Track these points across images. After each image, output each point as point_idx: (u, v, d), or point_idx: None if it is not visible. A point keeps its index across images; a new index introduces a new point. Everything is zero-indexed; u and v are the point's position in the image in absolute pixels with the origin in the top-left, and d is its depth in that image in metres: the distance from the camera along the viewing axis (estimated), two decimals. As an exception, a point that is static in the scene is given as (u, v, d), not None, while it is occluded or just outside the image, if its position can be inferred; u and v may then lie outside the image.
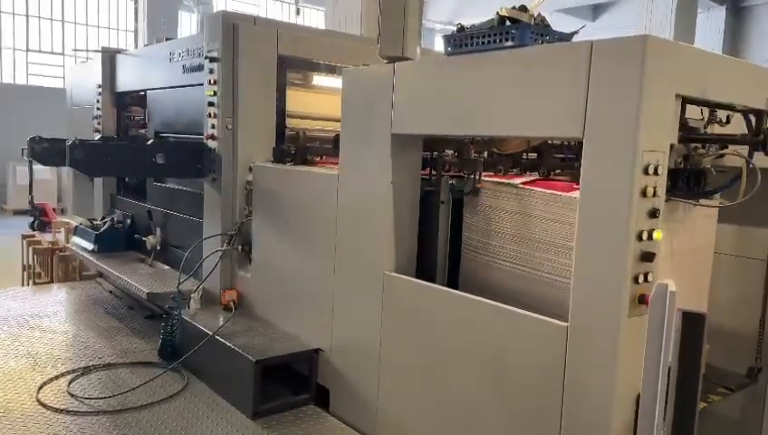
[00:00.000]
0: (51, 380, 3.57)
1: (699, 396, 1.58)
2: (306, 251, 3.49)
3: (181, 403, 3.35)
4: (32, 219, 13.09)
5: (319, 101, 4.57)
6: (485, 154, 3.52)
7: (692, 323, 1.48)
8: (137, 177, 5.06)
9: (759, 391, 3.19)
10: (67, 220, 6.98)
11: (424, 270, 3.05)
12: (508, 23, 2.37)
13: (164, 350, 3.86)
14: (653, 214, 1.98)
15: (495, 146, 2.97)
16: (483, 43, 2.38)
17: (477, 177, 2.96)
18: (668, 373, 1.66)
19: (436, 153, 3.07)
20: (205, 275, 4.09)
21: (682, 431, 1.52)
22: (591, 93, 2.02)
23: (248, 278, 4.01)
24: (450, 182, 3.05)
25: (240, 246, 4.05)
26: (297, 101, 4.40)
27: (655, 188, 1.97)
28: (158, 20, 15.39)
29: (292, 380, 3.45)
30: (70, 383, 3.53)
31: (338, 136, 3.60)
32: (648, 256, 1.97)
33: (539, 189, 2.59)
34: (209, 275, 4.05)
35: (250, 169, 3.99)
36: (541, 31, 2.29)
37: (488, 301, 2.49)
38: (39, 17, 15.97)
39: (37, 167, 4.68)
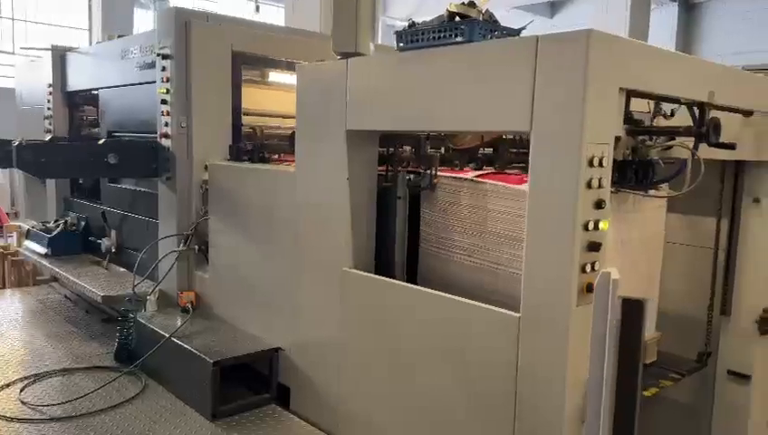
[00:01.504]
0: (1, 387, 3.46)
1: (641, 380, 1.62)
2: (264, 250, 3.46)
3: (138, 407, 3.29)
4: (-18, 224, 12.61)
5: (276, 98, 4.54)
6: (442, 150, 3.57)
7: (631, 309, 1.52)
8: (89, 178, 4.94)
9: (709, 375, 3.31)
10: (19, 224, 6.78)
11: (383, 266, 3.05)
12: (458, 18, 2.38)
13: (120, 353, 3.78)
14: (599, 205, 2.03)
15: (450, 141, 2.99)
16: (433, 38, 2.40)
17: (434, 172, 2.98)
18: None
19: (392, 149, 3.08)
20: (161, 276, 4.02)
21: (623, 416, 1.56)
22: (538, 87, 2.05)
23: (206, 279, 3.96)
24: (407, 178, 3.06)
25: (197, 247, 3.99)
26: (254, 98, 4.36)
27: (600, 179, 2.01)
28: (112, 18, 15.01)
29: (254, 380, 3.42)
30: (21, 390, 3.43)
31: (294, 134, 3.59)
32: (594, 246, 2.02)
33: (490, 182, 2.62)
34: (165, 276, 3.99)
35: (206, 168, 3.93)
36: (489, 27, 2.32)
37: (444, 294, 2.52)
38: (-13, 15, 15.43)
39: None
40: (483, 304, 2.35)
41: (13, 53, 15.70)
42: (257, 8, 17.79)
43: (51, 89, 5.66)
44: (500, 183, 2.57)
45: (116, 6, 15.28)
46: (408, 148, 3.22)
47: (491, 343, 2.29)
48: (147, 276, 4.01)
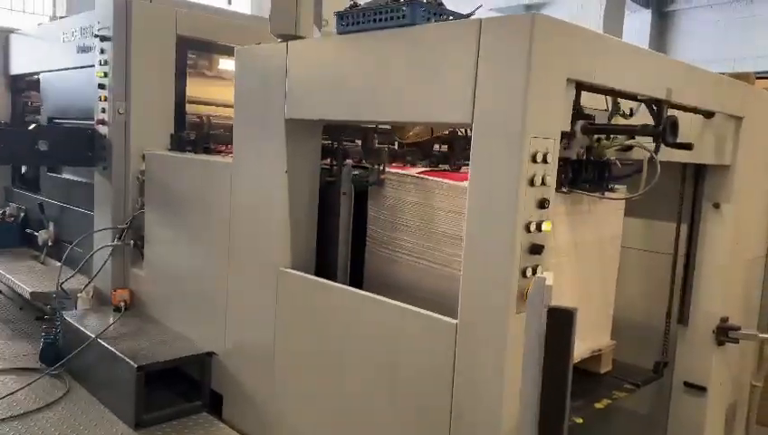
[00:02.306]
0: None
1: (568, 393, 1.45)
2: (199, 246, 3.24)
3: (58, 413, 3.04)
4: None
5: (223, 86, 4.30)
6: (395, 145, 3.39)
7: (559, 319, 1.35)
8: (18, 165, 4.64)
9: (665, 386, 3.17)
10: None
11: (325, 267, 2.86)
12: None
13: (45, 354, 3.52)
14: (542, 204, 1.86)
15: (396, 135, 2.81)
16: (375, 20, 2.21)
17: (381, 167, 2.80)
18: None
19: (336, 142, 2.89)
20: (95, 272, 3.77)
21: (550, 431, 1.40)
22: (480, 75, 1.88)
23: (141, 276, 3.72)
24: (354, 173, 2.86)
25: (132, 242, 3.74)
26: (202, 88, 4.13)
27: (544, 176, 1.85)
28: (76, 6, 14.53)
29: (186, 385, 3.19)
30: (-68, 395, 3.16)
31: (237, 123, 3.38)
32: (536, 249, 1.85)
33: (433, 178, 2.45)
34: (98, 272, 3.73)
35: (143, 158, 3.69)
36: (433, 9, 2.13)
37: (379, 297, 2.33)
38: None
39: None
40: (418, 309, 2.17)
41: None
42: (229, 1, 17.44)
43: (-8, 72, 5.35)
44: (443, 180, 2.39)
45: (81, -7, 14.81)
46: (355, 142, 3.04)
47: (427, 349, 2.11)
48: (79, 271, 3.75)
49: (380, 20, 2.19)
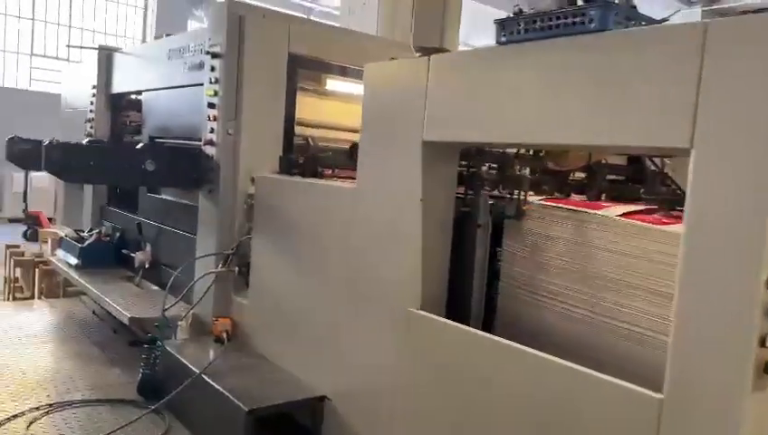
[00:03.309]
0: (8, 419, 3.04)
1: None
2: (314, 278, 2.98)
3: (158, 454, 2.82)
4: (25, 228, 12.61)
5: (331, 107, 4.10)
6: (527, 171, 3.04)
7: None
8: (121, 185, 4.55)
9: None
10: (54, 230, 6.50)
11: (454, 307, 2.53)
12: (580, 2, 1.88)
13: (144, 386, 3.33)
14: (792, 253, 1.47)
15: (552, 160, 2.47)
16: (550, 27, 1.89)
17: (523, 197, 2.46)
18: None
19: (473, 167, 2.58)
20: (196, 299, 3.57)
21: None
22: (704, 91, 1.52)
23: (245, 305, 3.50)
24: (488, 202, 2.54)
25: (237, 268, 3.53)
26: (306, 106, 3.92)
27: (796, 217, 1.46)
28: (166, 28, 15.07)
29: (293, 429, 2.91)
30: (30, 425, 3.00)
31: (355, 145, 3.13)
32: (783, 311, 1.45)
33: (595, 212, 2.11)
34: (200, 299, 3.54)
35: (252, 181, 3.49)
36: (626, 13, 1.80)
37: (548, 356, 1.96)
38: (45, 21, 15.66)
39: (35, 174, 4.22)
40: (606, 377, 1.78)
41: (67, 60, 15.87)
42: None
43: (95, 90, 5.37)
44: (626, 219, 2.03)
45: (171, 18, 15.34)
46: (489, 167, 2.72)
47: (613, 429, 1.73)
48: (180, 298, 3.56)
49: (557, 27, 1.87)
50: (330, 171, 3.67)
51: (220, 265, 3.53)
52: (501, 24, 2.04)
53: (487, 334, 2.24)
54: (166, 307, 3.39)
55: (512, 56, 2.03)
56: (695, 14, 14.30)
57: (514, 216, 2.47)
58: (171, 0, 16.05)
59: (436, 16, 2.27)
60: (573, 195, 2.95)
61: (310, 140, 3.97)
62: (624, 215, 2.11)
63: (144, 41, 16.19)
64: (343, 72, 3.88)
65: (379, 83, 2.58)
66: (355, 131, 4.19)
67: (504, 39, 2.04)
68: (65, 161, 3.12)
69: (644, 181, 3.07)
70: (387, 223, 2.52)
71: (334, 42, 3.85)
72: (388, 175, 2.51)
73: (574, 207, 2.29)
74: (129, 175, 3.44)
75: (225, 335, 3.43)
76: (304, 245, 3.06)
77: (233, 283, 3.58)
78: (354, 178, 3.57)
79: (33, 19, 15.52)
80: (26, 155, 3.90)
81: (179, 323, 3.51)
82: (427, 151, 2.36)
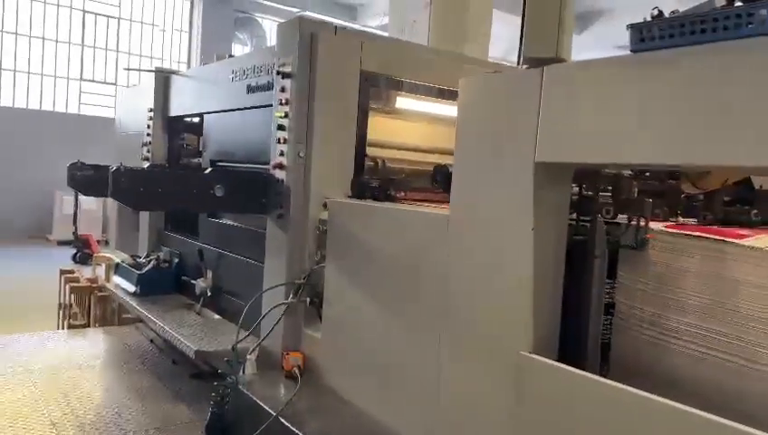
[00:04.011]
0: (73, 462, 2.87)
1: None
2: (399, 313, 2.74)
3: (234, 504, 2.60)
4: (74, 251, 12.78)
5: (401, 127, 3.89)
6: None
7: None
8: (191, 211, 4.40)
9: None
10: (108, 255, 6.42)
11: (563, 347, 2.26)
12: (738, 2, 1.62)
13: (212, 427, 3.12)
14: None
15: (691, 181, 2.19)
16: (703, 31, 1.63)
17: (644, 223, 2.20)
18: None
19: (586, 189, 2.32)
20: (264, 331, 3.37)
21: None
22: None
23: (317, 339, 3.27)
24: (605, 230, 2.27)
25: (308, 299, 3.32)
26: (376, 125, 3.72)
27: None
28: (211, 52, 15.24)
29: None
30: (97, 469, 2.82)
31: (439, 167, 2.91)
32: None
33: (742, 243, 1.82)
34: (270, 332, 3.33)
35: (325, 206, 3.29)
36: (801, 12, 1.53)
37: (693, 410, 1.67)
38: (94, 47, 16.01)
39: (83, 196, 4.12)
40: (756, 431, 1.49)
41: (115, 84, 16.16)
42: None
43: (151, 114, 5.29)
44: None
45: (215, 42, 15.52)
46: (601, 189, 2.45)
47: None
48: (251, 332, 3.36)
49: (713, 30, 1.61)
50: (402, 194, 3.48)
51: (291, 296, 3.32)
52: (637, 29, 1.79)
53: (618, 384, 1.96)
54: (239, 340, 3.18)
55: (651, 65, 1.77)
56: None
57: (635, 245, 2.21)
58: (215, 24, 16.28)
59: (551, 24, 2.04)
60: (680, 218, 2.69)
61: (379, 161, 3.77)
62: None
63: (189, 65, 16.41)
64: (417, 89, 3.67)
65: (477, 99, 2.35)
66: (428, 151, 4.02)
67: (640, 45, 1.79)
68: (134, 188, 2.97)
69: (752, 202, 2.77)
70: (490, 255, 2.26)
71: (407, 58, 3.64)
72: (491, 201, 2.26)
73: (713, 236, 2.01)
74: (198, 201, 3.27)
75: (296, 371, 3.21)
76: (386, 276, 2.82)
77: (303, 314, 3.37)
78: (431, 202, 3.37)
79: (82, 45, 15.89)
80: (89, 181, 3.79)
81: (248, 356, 3.30)
82: (540, 174, 2.10)
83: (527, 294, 2.14)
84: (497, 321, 2.23)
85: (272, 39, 17.84)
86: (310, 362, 3.27)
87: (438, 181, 2.89)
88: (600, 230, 2.25)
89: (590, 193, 2.31)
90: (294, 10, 16.74)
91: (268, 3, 16.80)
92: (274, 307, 3.29)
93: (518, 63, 2.46)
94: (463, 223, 2.39)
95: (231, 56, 4.41)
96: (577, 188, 2.33)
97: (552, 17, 2.05)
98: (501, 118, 2.23)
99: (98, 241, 12.97)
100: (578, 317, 2.27)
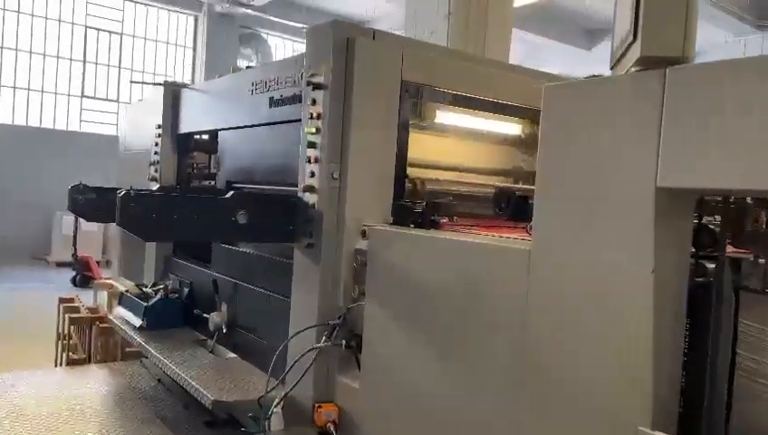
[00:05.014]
0: None
1: None
2: (463, 365, 2.29)
3: None
4: (74, 274, 12.31)
5: (445, 144, 3.48)
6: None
7: None
8: (212, 241, 3.95)
9: None
10: (111, 282, 5.98)
11: (683, 416, 1.82)
12: None
13: (236, 494, 2.67)
14: None
15: None
16: None
17: (774, 262, 1.77)
18: None
19: (707, 220, 1.90)
20: (292, 378, 2.92)
21: None
22: None
23: (354, 389, 2.82)
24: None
25: (344, 342, 2.87)
26: (417, 143, 3.31)
27: None
28: (215, 69, 14.94)
29: None
30: None
31: (504, 191, 2.49)
32: None
33: None
34: (299, 381, 2.88)
35: (363, 235, 2.86)
36: None
37: None
38: (96, 63, 15.68)
39: None
40: None
41: (117, 101, 15.82)
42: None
43: (160, 130, 4.88)
44: None
45: (220, 57, 15.21)
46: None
47: None
48: (280, 381, 2.91)
49: None
50: (446, 220, 3.07)
51: (324, 338, 2.88)
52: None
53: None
54: (266, 391, 2.74)
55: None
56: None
57: (763, 287, 1.78)
58: (220, 40, 15.98)
59: (677, 14, 1.62)
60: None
61: (417, 182, 3.35)
62: None
63: (193, 82, 16.08)
64: (465, 102, 3.25)
65: (571, 111, 1.93)
66: (473, 172, 3.60)
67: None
68: (146, 215, 2.54)
69: None
70: (591, 301, 1.83)
71: (453, 67, 3.23)
72: (594, 236, 1.83)
73: None
74: (218, 230, 2.84)
75: (331, 427, 2.76)
76: (444, 319, 2.39)
77: (338, 360, 2.92)
78: (481, 228, 2.94)
79: (84, 61, 15.56)
80: (92, 206, 3.37)
81: (275, 409, 2.85)
82: (662, 202, 1.68)
83: (646, 355, 1.70)
84: (605, 387, 1.79)
85: (277, 55, 17.54)
86: (346, 417, 2.82)
87: (504, 208, 2.46)
88: (726, 268, 1.83)
89: (712, 223, 1.89)
90: (299, 26, 16.48)
91: (274, 18, 16.52)
92: (306, 353, 2.84)
93: (610, 69, 2.04)
94: (552, 261, 1.96)
95: (249, 67, 3.99)
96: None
97: (677, 4, 1.64)
98: (606, 133, 1.81)
99: (98, 262, 12.52)
100: (698, 379, 1.84)
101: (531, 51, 16.71)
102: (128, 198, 2.57)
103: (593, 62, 17.00)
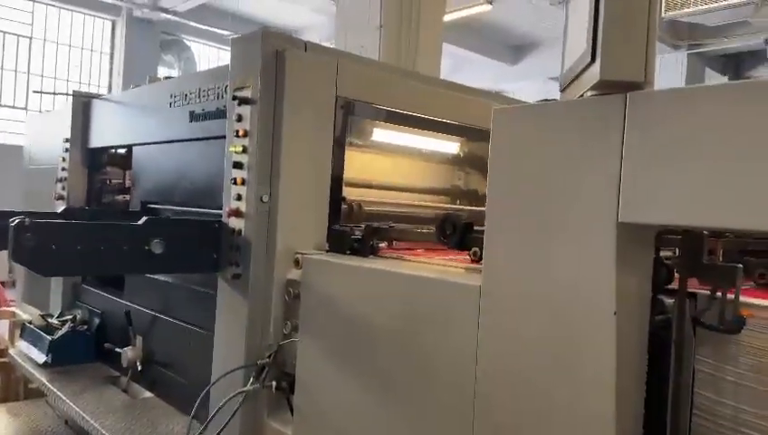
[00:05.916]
0: None
1: None
2: (403, 411, 2.10)
3: None
4: (-28, 296, 11.13)
5: (382, 162, 3.30)
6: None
7: None
8: (121, 274, 3.58)
9: None
10: (13, 310, 5.43)
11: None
12: None
13: None
14: None
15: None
16: None
17: (734, 297, 1.68)
18: None
19: (666, 255, 1.79)
20: (216, 424, 2.63)
21: None
22: None
23: None
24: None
25: (274, 383, 2.62)
26: (354, 162, 3.12)
27: None
28: (133, 78, 14.22)
29: None
30: None
31: (450, 217, 2.33)
32: None
33: None
34: (225, 426, 2.59)
35: (297, 264, 2.63)
36: None
37: None
38: (2, 68, 14.60)
39: None
40: None
41: (25, 109, 14.78)
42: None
43: (68, 144, 4.45)
44: None
45: (140, 64, 14.50)
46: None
47: None
48: (205, 426, 2.62)
49: None
50: (385, 245, 2.89)
51: (252, 380, 2.61)
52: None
53: None
54: (186, 445, 2.44)
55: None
56: (681, 58, 14.27)
57: (724, 327, 1.69)
58: (140, 46, 15.25)
59: (638, 40, 1.50)
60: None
61: (353, 205, 3.15)
62: None
63: (110, 89, 15.26)
64: (402, 119, 3.09)
65: (522, 137, 1.78)
66: (410, 191, 3.44)
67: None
68: (44, 247, 2.20)
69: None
70: (549, 344, 1.68)
71: (389, 83, 3.06)
72: (546, 271, 1.69)
73: None
74: (130, 261, 2.50)
75: (261, 478, 2.49)
76: (384, 360, 2.18)
77: (267, 403, 2.66)
78: (419, 253, 2.78)
79: (-12, 66, 14.46)
80: (-17, 232, 2.95)
81: (196, 460, 2.55)
82: (624, 237, 1.55)
83: (607, 398, 1.56)
84: (564, 432, 1.64)
85: (201, 63, 16.95)
86: (278, 465, 2.56)
87: (448, 235, 2.29)
88: (686, 307, 1.72)
89: (670, 258, 1.79)
90: (225, 33, 15.97)
91: (198, 25, 15.94)
92: (232, 397, 2.56)
93: (561, 91, 1.92)
94: (503, 298, 1.80)
95: (168, 78, 3.68)
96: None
97: (639, 26, 1.52)
98: (561, 161, 1.67)
99: (3, 283, 11.52)
100: (656, 417, 1.72)
101: (457, 64, 16.92)
102: (21, 228, 2.22)
103: (517, 77, 17.43)
